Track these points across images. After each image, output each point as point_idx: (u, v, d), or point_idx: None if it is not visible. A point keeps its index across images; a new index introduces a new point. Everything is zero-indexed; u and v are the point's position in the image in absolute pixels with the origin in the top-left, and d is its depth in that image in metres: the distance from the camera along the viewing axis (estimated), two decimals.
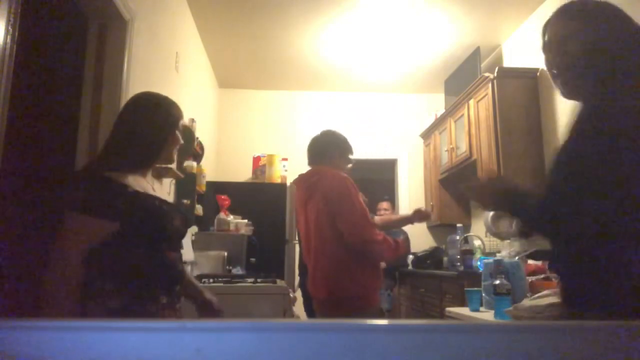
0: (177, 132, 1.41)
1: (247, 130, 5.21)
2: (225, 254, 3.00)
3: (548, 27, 1.22)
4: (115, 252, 1.24)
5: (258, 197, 4.14)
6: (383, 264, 4.12)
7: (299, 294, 3.17)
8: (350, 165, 2.39)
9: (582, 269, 1.09)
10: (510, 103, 3.56)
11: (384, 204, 4.53)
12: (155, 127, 1.36)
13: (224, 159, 5.06)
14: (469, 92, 3.94)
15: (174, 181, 3.15)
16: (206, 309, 1.54)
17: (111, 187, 1.25)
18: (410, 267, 4.36)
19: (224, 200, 3.49)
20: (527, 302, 1.72)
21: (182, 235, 1.43)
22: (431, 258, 4.22)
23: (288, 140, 5.05)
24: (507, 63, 4.12)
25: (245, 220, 3.56)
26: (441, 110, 4.70)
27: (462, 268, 3.52)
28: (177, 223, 1.37)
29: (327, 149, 2.34)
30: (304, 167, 2.44)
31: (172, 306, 1.33)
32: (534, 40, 3.69)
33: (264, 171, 4.64)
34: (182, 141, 1.44)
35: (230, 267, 3.00)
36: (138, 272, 1.26)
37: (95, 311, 1.19)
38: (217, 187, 4.03)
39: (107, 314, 1.20)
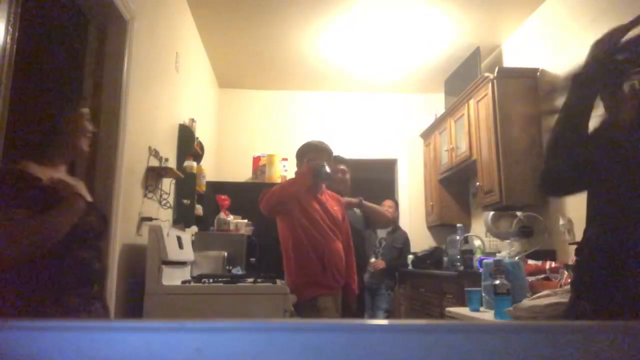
0: (82, 121, 1.32)
1: (247, 130, 5.21)
2: (225, 254, 2.99)
3: None
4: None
5: (258, 197, 4.11)
6: (382, 265, 4.15)
7: None
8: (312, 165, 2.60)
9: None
10: (510, 103, 3.56)
11: (388, 202, 4.53)
12: (55, 116, 1.28)
13: (224, 159, 5.06)
14: (469, 92, 3.94)
15: (174, 181, 3.15)
16: None
17: (24, 179, 1.17)
18: (410, 267, 4.36)
19: (224, 200, 3.49)
20: (527, 302, 1.72)
21: (98, 233, 1.35)
22: (431, 258, 4.22)
23: (288, 140, 5.04)
24: (507, 63, 4.11)
25: (245, 220, 3.56)
26: (441, 110, 4.70)
27: (462, 268, 3.52)
28: (89, 219, 1.28)
29: None
30: None
31: (85, 309, 1.22)
32: (534, 40, 3.69)
33: (264, 171, 4.64)
34: (90, 129, 1.34)
35: (230, 267, 3.00)
36: (39, 274, 1.16)
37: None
38: (217, 187, 4.03)
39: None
